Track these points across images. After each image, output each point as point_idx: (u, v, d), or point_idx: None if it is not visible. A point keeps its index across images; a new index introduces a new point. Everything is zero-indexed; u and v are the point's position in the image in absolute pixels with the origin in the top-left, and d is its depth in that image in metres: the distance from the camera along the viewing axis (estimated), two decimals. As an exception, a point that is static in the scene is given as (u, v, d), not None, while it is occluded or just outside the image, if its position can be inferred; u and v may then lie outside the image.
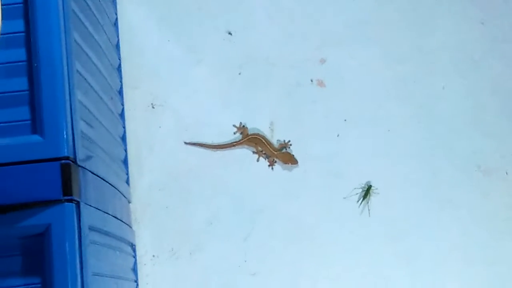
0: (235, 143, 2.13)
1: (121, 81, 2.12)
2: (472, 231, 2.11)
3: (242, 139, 2.12)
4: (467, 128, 2.16)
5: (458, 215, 2.12)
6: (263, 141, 2.11)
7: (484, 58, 2.20)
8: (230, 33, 2.20)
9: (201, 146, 2.13)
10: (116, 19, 2.16)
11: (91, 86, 1.64)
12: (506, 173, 2.14)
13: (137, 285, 2.01)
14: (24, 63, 1.40)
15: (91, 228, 1.44)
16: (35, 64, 1.39)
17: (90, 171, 1.51)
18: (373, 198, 2.10)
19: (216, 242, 2.08)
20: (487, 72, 2.20)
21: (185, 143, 2.13)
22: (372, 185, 2.10)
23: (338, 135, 2.15)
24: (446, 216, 2.11)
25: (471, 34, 2.23)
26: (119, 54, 2.13)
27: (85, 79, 1.57)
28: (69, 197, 1.36)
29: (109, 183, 1.74)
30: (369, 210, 2.09)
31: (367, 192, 2.09)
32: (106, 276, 1.58)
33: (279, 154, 2.11)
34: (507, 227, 2.11)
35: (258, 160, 2.13)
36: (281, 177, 2.13)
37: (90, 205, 1.47)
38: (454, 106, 2.17)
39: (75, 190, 1.37)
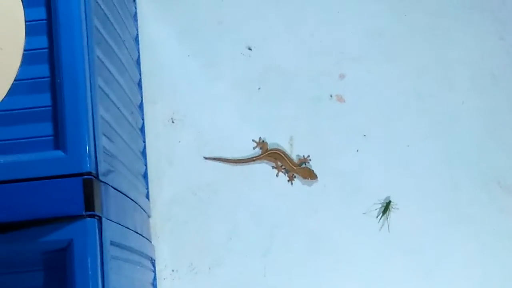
0: (254, 158, 2.13)
1: (141, 96, 2.13)
2: (490, 248, 2.09)
3: (261, 154, 2.13)
4: (486, 144, 2.15)
5: (477, 231, 2.10)
6: (283, 156, 2.11)
7: (504, 73, 2.19)
8: (249, 48, 2.20)
9: (221, 161, 2.13)
10: (137, 34, 2.18)
11: (113, 102, 1.65)
12: (526, 189, 2.13)
13: (157, 299, 2.02)
14: (47, 79, 1.42)
15: (113, 243, 1.45)
16: (58, 80, 1.40)
17: (111, 186, 1.52)
18: (392, 213, 2.09)
19: (235, 257, 2.08)
20: (506, 87, 2.19)
21: (205, 158, 2.14)
22: (392, 200, 2.09)
23: (357, 150, 2.15)
24: (464, 232, 2.10)
25: (490, 49, 2.22)
26: (139, 69, 2.14)
27: (107, 94, 1.58)
28: (91, 213, 1.36)
29: (130, 198, 1.75)
30: (388, 225, 2.09)
31: (386, 207, 2.08)
32: (127, 291, 1.59)
33: (299, 169, 2.11)
34: (526, 245, 2.10)
35: (277, 175, 2.13)
36: (301, 192, 2.13)
37: (112, 220, 1.48)
38: (474, 121, 2.17)
39: (97, 205, 1.38)
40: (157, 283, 2.03)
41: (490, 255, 2.09)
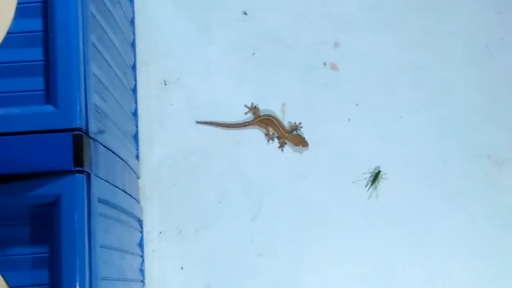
0: (246, 123, 2.13)
1: (135, 57, 2.12)
2: (480, 221, 2.11)
3: (254, 120, 2.13)
4: (479, 118, 2.15)
5: (466, 204, 2.11)
6: (275, 122, 2.11)
7: (499, 47, 2.19)
8: (245, 13, 2.19)
9: (213, 124, 2.13)
10: (132, -5, 2.17)
11: (106, 60, 1.65)
12: (517, 164, 2.14)
13: (143, 260, 2.02)
14: (40, 33, 1.41)
15: (100, 201, 1.45)
16: (51, 35, 1.40)
17: (101, 144, 1.52)
18: (381, 183, 2.10)
19: (224, 221, 2.09)
20: (501, 61, 2.18)
21: (197, 122, 2.13)
22: (381, 170, 2.10)
23: (349, 119, 2.15)
24: (454, 204, 2.11)
25: (487, 23, 2.21)
26: (133, 30, 2.13)
27: (100, 52, 1.57)
28: (79, 168, 1.37)
29: (120, 157, 1.75)
30: (377, 195, 2.09)
31: (375, 177, 2.09)
32: (113, 249, 1.59)
33: (290, 136, 2.12)
34: (515, 218, 2.11)
35: (269, 142, 2.13)
36: (291, 159, 2.13)
37: (100, 178, 1.48)
38: (467, 95, 2.16)
39: (86, 161, 1.38)
40: (144, 244, 2.04)
41: (479, 228, 2.10)
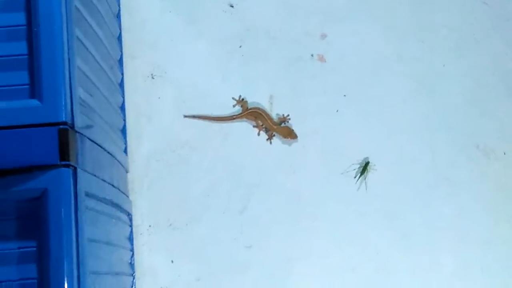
0: (235, 116, 2.13)
1: (121, 51, 2.12)
2: (468, 210, 2.11)
3: (242, 112, 2.12)
4: (466, 107, 2.16)
5: (454, 194, 2.12)
6: (263, 114, 2.11)
7: (486, 37, 2.20)
8: (231, 6, 2.19)
9: (201, 118, 2.13)
10: (118, -12, 2.16)
11: (91, 54, 1.64)
12: (504, 153, 2.14)
13: (133, 254, 2.02)
14: (24, 27, 1.41)
15: (88, 194, 1.45)
16: (35, 29, 1.39)
17: (88, 137, 1.51)
18: (370, 174, 2.10)
19: (213, 214, 2.09)
20: (488, 51, 2.19)
21: (185, 116, 2.13)
22: (370, 161, 2.10)
23: (337, 111, 2.15)
24: (442, 194, 2.12)
25: (473, 13, 2.22)
26: (120, 24, 2.13)
27: (85, 46, 1.57)
28: (65, 162, 1.36)
29: (107, 151, 1.74)
30: (366, 186, 2.10)
31: (364, 168, 2.09)
32: (102, 243, 1.59)
33: (279, 128, 2.11)
34: (504, 207, 2.12)
35: (259, 134, 2.13)
36: (280, 151, 2.13)
37: (87, 171, 1.48)
38: (454, 85, 2.17)
39: (72, 155, 1.37)
40: (134, 237, 2.04)
41: (468, 217, 2.11)
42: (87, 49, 1.60)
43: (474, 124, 2.16)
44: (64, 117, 1.37)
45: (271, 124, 2.11)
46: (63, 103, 1.37)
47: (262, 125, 2.12)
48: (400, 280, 2.07)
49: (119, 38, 2.11)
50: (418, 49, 2.20)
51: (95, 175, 1.56)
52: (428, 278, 2.08)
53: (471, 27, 2.22)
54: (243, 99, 2.14)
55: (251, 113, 2.12)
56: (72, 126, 1.39)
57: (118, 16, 2.12)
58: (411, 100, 2.17)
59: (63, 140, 1.36)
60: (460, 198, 2.12)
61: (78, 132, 1.43)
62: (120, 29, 2.12)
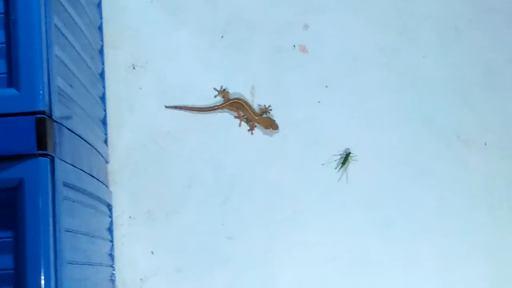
0: (216, 107, 2.12)
1: (102, 41, 2.10)
2: (449, 201, 2.12)
3: (223, 103, 2.12)
4: (447, 98, 2.16)
5: (435, 184, 2.12)
6: (244, 105, 2.10)
7: (467, 28, 2.19)
8: (213, -5, 2.18)
9: (182, 108, 2.12)
10: (98, -23, 2.15)
11: (71, 43, 1.63)
12: (485, 144, 2.14)
13: (113, 245, 2.01)
14: (1, 15, 1.39)
15: (66, 184, 1.44)
16: (12, 17, 1.38)
17: (66, 127, 1.50)
18: (351, 165, 2.10)
19: (194, 205, 2.08)
20: (469, 42, 2.19)
21: (166, 107, 2.12)
22: (351, 152, 2.10)
23: (319, 102, 2.15)
24: (423, 185, 2.12)
25: (454, 4, 2.21)
26: (100, 13, 2.11)
27: (64, 35, 1.56)
28: (43, 152, 1.35)
29: (86, 142, 1.73)
30: (347, 177, 2.10)
31: (345, 159, 2.09)
32: (80, 233, 1.58)
33: (260, 119, 2.11)
34: (484, 198, 2.12)
35: (240, 125, 2.12)
36: (261, 142, 2.13)
37: (65, 161, 1.47)
38: (435, 76, 2.17)
39: (49, 145, 1.37)
40: (114, 228, 2.03)
41: (448, 208, 2.12)
42: (66, 38, 1.59)
43: (455, 114, 2.16)
44: (42, 106, 1.36)
45: (252, 114, 2.10)
46: (41, 92, 1.37)
47: (243, 115, 2.12)
48: (381, 271, 2.07)
49: (100, 27, 2.10)
50: (400, 40, 2.19)
51: (73, 165, 1.55)
52: (409, 268, 2.08)
53: (452, 18, 2.21)
54: (224, 90, 2.13)
55: (233, 104, 2.12)
56: (50, 116, 1.38)
57: (99, 5, 2.11)
58: (392, 91, 2.16)
59: (41, 129, 1.35)
60: (440, 189, 2.12)
61: (56, 122, 1.42)
62: (101, 18, 2.11)
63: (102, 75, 2.08)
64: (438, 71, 2.17)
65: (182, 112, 2.12)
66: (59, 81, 1.46)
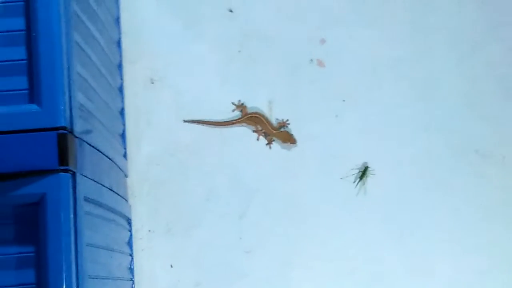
0: (234, 121, 2.13)
1: (120, 56, 2.11)
2: (466, 214, 2.11)
3: (241, 117, 2.13)
4: (465, 111, 2.16)
5: (453, 198, 2.12)
6: (262, 119, 2.11)
7: (484, 41, 2.19)
8: (231, 10, 2.19)
9: (200, 123, 2.13)
10: (117, -7, 2.16)
11: (90, 59, 1.65)
12: (503, 157, 2.14)
13: (132, 259, 2.02)
14: (22, 32, 1.40)
15: (87, 199, 1.45)
16: (34, 34, 1.39)
17: (87, 142, 1.51)
18: (369, 179, 2.10)
19: (212, 219, 2.09)
20: (485, 55, 2.18)
21: (185, 121, 2.13)
22: (369, 166, 2.10)
23: (336, 116, 2.15)
24: (441, 198, 2.12)
25: (470, 17, 2.21)
26: (119, 29, 2.13)
27: (84, 51, 1.57)
28: (64, 167, 1.36)
29: (106, 156, 1.74)
30: (365, 191, 2.10)
31: (363, 173, 2.09)
32: (100, 248, 1.59)
33: (278, 133, 2.12)
34: (502, 211, 2.11)
35: (258, 139, 2.13)
36: (279, 156, 2.14)
37: (86, 176, 1.48)
38: (453, 89, 2.17)
39: (71, 160, 1.37)
40: (133, 242, 2.04)
41: (466, 222, 2.11)
42: (86, 53, 1.60)
43: (473, 128, 2.15)
44: (63, 122, 1.37)
45: (270, 129, 2.11)
46: (62, 108, 1.37)
47: (261, 130, 2.12)
48: (398, 285, 2.07)
49: (119, 42, 2.11)
50: (417, 53, 2.19)
51: (94, 180, 1.56)
52: (426, 282, 2.08)
53: (468, 30, 2.21)
54: (242, 104, 2.14)
55: (251, 118, 2.13)
56: (71, 131, 1.39)
57: (117, 20, 2.12)
58: (409, 104, 2.16)
59: (62, 145, 1.36)
60: (458, 203, 2.12)
61: (77, 137, 1.43)
62: (119, 33, 2.12)
63: (121, 89, 2.09)
64: (455, 84, 2.17)
65: (200, 126, 2.13)
66: (79, 97, 1.47)
